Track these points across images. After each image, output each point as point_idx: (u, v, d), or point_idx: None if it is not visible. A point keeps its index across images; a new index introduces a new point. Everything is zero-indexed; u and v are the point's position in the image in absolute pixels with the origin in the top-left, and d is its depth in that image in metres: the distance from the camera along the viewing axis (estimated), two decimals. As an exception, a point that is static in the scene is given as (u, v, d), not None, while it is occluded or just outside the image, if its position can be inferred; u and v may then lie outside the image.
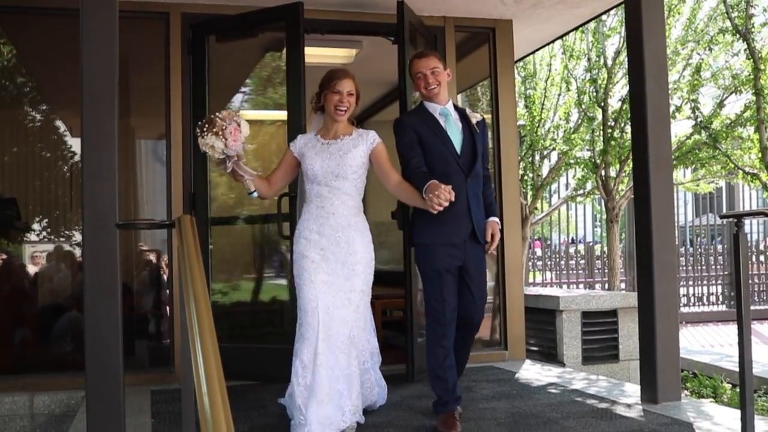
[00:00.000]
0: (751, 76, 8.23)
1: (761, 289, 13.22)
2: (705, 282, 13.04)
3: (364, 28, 5.62)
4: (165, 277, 5.51)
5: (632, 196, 6.32)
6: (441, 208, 3.33)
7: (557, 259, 13.61)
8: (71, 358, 5.20)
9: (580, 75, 10.06)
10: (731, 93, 8.93)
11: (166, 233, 5.34)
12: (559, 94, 10.23)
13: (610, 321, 6.50)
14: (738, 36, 8.27)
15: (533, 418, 3.88)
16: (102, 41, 3.59)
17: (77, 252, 5.52)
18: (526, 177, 10.24)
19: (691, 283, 12.95)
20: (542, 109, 10.07)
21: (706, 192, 12.20)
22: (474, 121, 3.81)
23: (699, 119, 8.96)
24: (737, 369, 3.40)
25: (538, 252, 13.74)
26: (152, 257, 5.78)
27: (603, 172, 9.64)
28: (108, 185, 3.55)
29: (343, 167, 3.62)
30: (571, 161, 10.18)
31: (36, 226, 5.60)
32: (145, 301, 5.73)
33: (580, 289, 11.78)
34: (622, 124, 9.31)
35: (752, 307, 11.74)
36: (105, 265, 3.51)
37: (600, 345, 6.47)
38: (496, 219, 3.85)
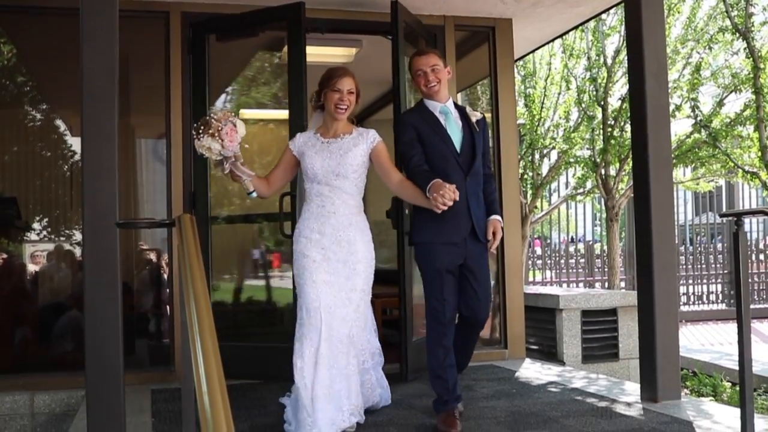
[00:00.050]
0: (751, 75, 8.24)
1: (761, 287, 13.22)
2: (705, 281, 13.04)
3: (364, 27, 5.62)
4: (165, 276, 5.51)
5: (632, 195, 6.32)
6: (445, 207, 3.33)
7: (557, 258, 13.61)
8: (71, 357, 5.21)
9: (579, 74, 10.06)
10: (731, 92, 8.94)
11: (167, 232, 5.34)
12: (559, 93, 10.22)
13: (609, 320, 6.50)
14: (738, 35, 8.27)
15: (533, 417, 3.88)
16: (102, 40, 3.59)
17: (77, 251, 5.53)
18: (525, 176, 10.24)
19: (690, 281, 12.95)
20: (542, 107, 10.06)
21: (705, 191, 12.19)
22: (474, 119, 3.80)
23: (699, 118, 8.96)
24: (737, 367, 3.40)
25: (538, 251, 13.74)
26: (152, 256, 5.78)
27: (603, 171, 9.64)
28: (108, 184, 3.56)
29: (344, 166, 3.61)
30: (571, 160, 10.18)
31: (36, 225, 5.60)
32: (145, 300, 5.73)
33: (579, 288, 11.77)
34: (622, 123, 9.31)
35: (752, 306, 11.73)
36: (105, 264, 3.52)
37: (600, 344, 6.47)
38: (498, 217, 3.82)
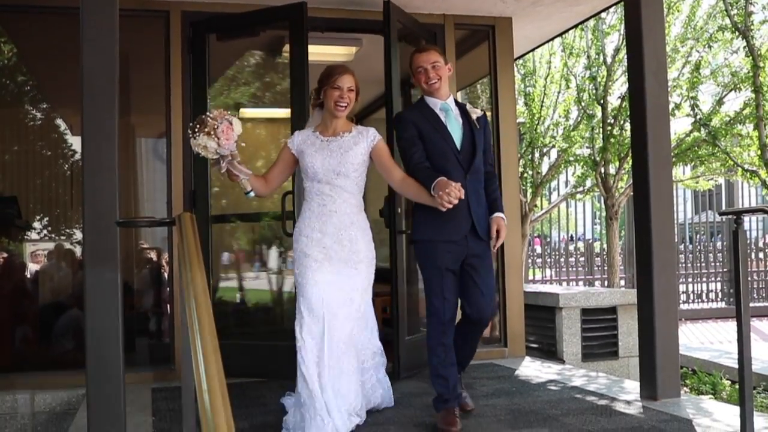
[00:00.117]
0: (750, 74, 8.24)
1: (760, 286, 13.24)
2: (704, 279, 13.06)
3: (363, 26, 5.63)
4: (165, 274, 5.52)
5: (632, 194, 6.32)
6: (451, 206, 3.31)
7: (557, 257, 13.62)
8: (72, 356, 5.21)
9: (579, 72, 10.07)
10: (730, 90, 8.94)
11: (167, 231, 5.34)
12: (559, 92, 10.23)
13: (609, 318, 6.51)
14: (737, 33, 8.28)
15: (533, 415, 3.89)
16: (102, 40, 3.59)
17: (78, 250, 5.53)
18: (525, 174, 10.25)
19: (690, 280, 12.97)
20: (542, 106, 10.07)
21: (705, 189, 12.22)
22: (474, 116, 3.78)
23: (698, 116, 8.97)
24: (736, 366, 3.40)
25: (538, 249, 13.76)
26: (153, 255, 5.79)
27: (602, 170, 9.65)
28: (108, 183, 3.56)
29: (345, 165, 3.58)
30: (571, 158, 10.19)
31: (37, 225, 5.61)
32: (145, 299, 5.74)
33: (579, 287, 11.77)
34: (622, 122, 9.31)
35: (751, 304, 11.75)
36: (105, 263, 3.52)
37: (599, 342, 6.47)
38: (502, 214, 3.77)
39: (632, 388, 4.62)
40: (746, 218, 3.76)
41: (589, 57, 9.80)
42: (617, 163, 9.49)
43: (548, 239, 14.98)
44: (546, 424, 3.71)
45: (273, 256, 5.91)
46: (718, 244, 13.67)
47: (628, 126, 8.62)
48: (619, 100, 9.41)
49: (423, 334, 5.18)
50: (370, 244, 3.69)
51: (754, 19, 8.23)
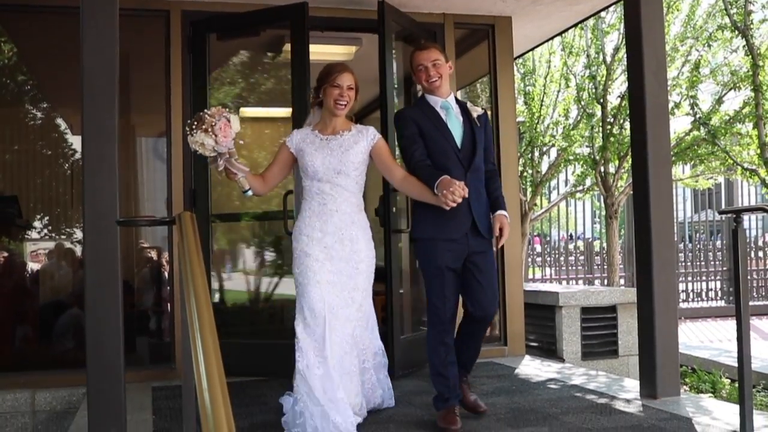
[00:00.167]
0: (750, 73, 8.25)
1: (760, 284, 13.24)
2: (704, 278, 13.06)
3: (362, 26, 5.63)
4: (166, 273, 5.52)
5: (631, 192, 6.33)
6: (455, 205, 3.31)
7: (557, 256, 13.62)
8: (72, 355, 5.21)
9: (579, 72, 10.07)
10: (730, 89, 8.95)
11: (167, 230, 5.34)
12: (559, 91, 10.23)
13: (609, 317, 6.51)
14: (737, 32, 8.28)
15: (533, 414, 3.89)
16: (102, 39, 3.60)
17: (78, 249, 5.54)
18: (525, 173, 10.25)
19: (690, 278, 12.97)
20: (541, 105, 10.07)
21: (705, 188, 12.23)
22: (475, 114, 3.77)
23: (698, 115, 8.97)
24: (736, 364, 3.41)
25: (538, 248, 13.74)
26: (153, 254, 5.79)
27: (602, 169, 9.65)
28: (108, 182, 3.56)
29: (345, 164, 3.58)
30: (571, 158, 10.19)
31: (37, 224, 5.61)
32: (145, 298, 5.74)
33: (579, 285, 11.76)
34: (621, 121, 9.32)
35: (751, 303, 11.76)
36: (106, 262, 3.52)
37: (599, 341, 6.48)
38: (504, 212, 3.75)
39: (632, 386, 4.63)
40: (746, 217, 3.76)
41: (588, 56, 9.80)
42: (617, 162, 9.49)
43: (548, 238, 14.97)
44: (546, 422, 3.71)
45: (273, 255, 5.91)
46: (718, 242, 13.68)
47: (627, 125, 8.61)
48: (619, 99, 9.41)
49: (419, 332, 5.19)
50: (370, 243, 3.69)
51: (753, 18, 8.23)
